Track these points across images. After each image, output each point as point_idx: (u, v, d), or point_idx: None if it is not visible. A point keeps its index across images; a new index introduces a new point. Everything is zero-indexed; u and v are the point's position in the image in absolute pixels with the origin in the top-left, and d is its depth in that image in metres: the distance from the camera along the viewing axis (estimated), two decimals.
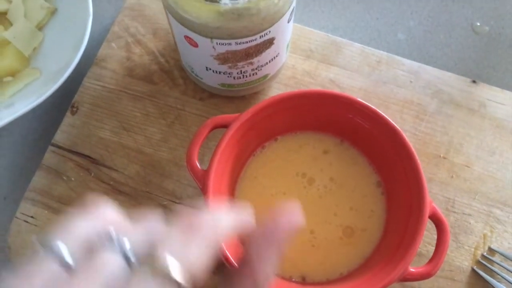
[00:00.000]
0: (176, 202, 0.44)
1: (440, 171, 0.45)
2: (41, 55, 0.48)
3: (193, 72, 0.44)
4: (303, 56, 0.49)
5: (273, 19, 0.36)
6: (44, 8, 0.48)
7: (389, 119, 0.39)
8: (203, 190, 0.37)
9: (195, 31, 0.36)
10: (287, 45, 0.43)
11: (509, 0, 0.53)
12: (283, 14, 0.37)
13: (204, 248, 0.21)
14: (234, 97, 0.47)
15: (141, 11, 0.51)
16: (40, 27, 0.49)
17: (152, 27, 0.50)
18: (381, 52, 0.49)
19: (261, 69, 0.42)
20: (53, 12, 0.49)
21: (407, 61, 0.49)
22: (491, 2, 0.53)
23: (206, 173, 0.37)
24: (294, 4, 0.38)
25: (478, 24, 0.52)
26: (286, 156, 0.43)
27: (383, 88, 0.48)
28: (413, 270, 0.35)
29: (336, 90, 0.47)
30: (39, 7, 0.48)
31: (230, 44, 0.37)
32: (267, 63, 0.41)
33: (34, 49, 0.48)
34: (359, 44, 0.49)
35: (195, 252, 0.21)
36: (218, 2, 0.33)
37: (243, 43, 0.37)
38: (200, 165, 0.38)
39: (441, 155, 0.45)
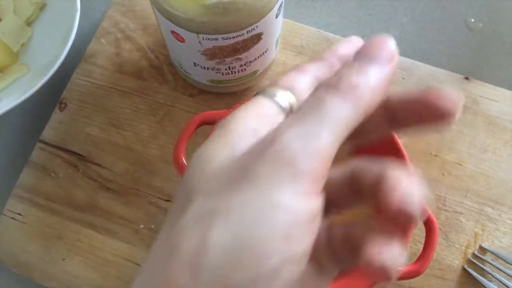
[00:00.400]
0: (164, 200, 0.44)
1: (431, 169, 0.44)
2: (30, 50, 0.48)
3: (181, 68, 0.44)
4: (294, 52, 0.48)
5: (261, 13, 0.36)
6: (33, 4, 0.48)
7: None
8: None
9: (181, 26, 0.36)
10: (277, 41, 0.43)
11: None
12: (271, 9, 0.36)
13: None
14: (224, 93, 0.47)
15: (131, 6, 0.50)
16: (29, 23, 0.49)
17: (142, 23, 0.50)
18: None
19: (249, 65, 0.41)
20: (42, 7, 0.49)
21: (400, 58, 0.48)
22: None
23: None
24: None
25: (472, 20, 0.51)
26: None
27: None
28: (401, 268, 0.35)
29: None
30: (28, 2, 0.48)
31: (216, 39, 0.36)
32: (255, 59, 0.41)
33: (23, 44, 0.48)
34: None
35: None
36: None
37: (230, 38, 0.36)
38: (187, 161, 0.38)
39: (433, 153, 0.45)
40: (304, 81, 0.21)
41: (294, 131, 0.17)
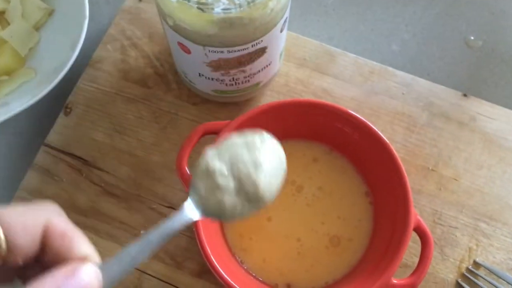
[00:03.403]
0: (165, 206, 0.44)
1: (428, 183, 0.45)
2: (37, 55, 0.49)
3: (186, 77, 0.45)
4: (296, 64, 0.49)
5: (266, 28, 0.37)
6: (41, 9, 0.49)
7: (377, 130, 0.39)
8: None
9: (188, 38, 0.37)
10: (281, 54, 0.44)
11: (503, 15, 0.53)
12: (276, 24, 0.37)
13: None
14: (228, 102, 0.47)
15: (138, 14, 0.51)
16: (37, 28, 0.50)
17: (149, 31, 0.50)
18: (374, 63, 0.50)
19: (253, 77, 0.42)
20: (50, 13, 0.50)
21: (400, 73, 0.49)
22: (485, 16, 0.53)
23: None
24: (287, 14, 0.39)
25: (472, 38, 0.52)
26: None
27: (375, 99, 0.48)
28: (396, 281, 0.36)
29: (328, 100, 0.48)
30: (37, 7, 0.49)
31: (222, 52, 0.37)
32: (259, 71, 0.42)
33: (30, 49, 0.49)
34: (352, 54, 0.50)
35: None
36: (211, 11, 0.33)
37: (236, 51, 0.37)
38: (190, 170, 0.39)
39: (430, 167, 0.46)
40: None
41: None
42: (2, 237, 0.22)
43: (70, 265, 0.22)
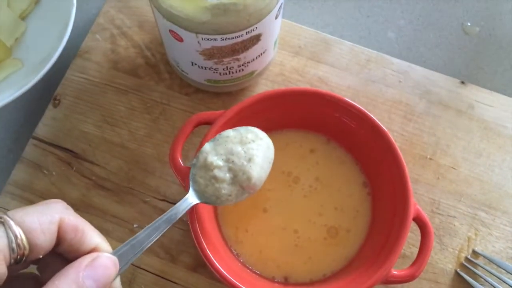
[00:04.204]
0: (159, 199, 0.43)
1: (426, 173, 0.45)
2: (24, 45, 0.47)
3: (178, 67, 0.43)
4: (291, 53, 0.48)
5: (260, 15, 0.35)
6: None
7: (375, 118, 0.38)
8: (185, 187, 0.36)
9: (180, 26, 0.35)
10: (275, 42, 0.43)
11: (500, 1, 0.52)
12: (271, 10, 0.36)
13: None
14: (221, 92, 0.46)
15: (127, 2, 0.50)
16: (23, 17, 0.48)
17: (138, 20, 0.49)
18: (371, 50, 0.49)
19: (247, 66, 0.41)
20: (36, 1, 0.48)
21: (396, 60, 0.48)
22: (482, 2, 0.52)
23: (188, 170, 0.37)
24: (282, 0, 0.38)
25: (469, 24, 0.52)
26: None
27: (371, 87, 0.47)
28: (396, 272, 0.35)
29: (324, 88, 0.47)
30: None
31: (215, 39, 0.36)
32: (253, 59, 0.41)
33: (16, 39, 0.47)
34: (349, 42, 0.49)
35: None
36: None
37: (229, 39, 0.36)
38: (184, 161, 0.38)
39: (428, 156, 0.45)
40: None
41: None
42: (24, 239, 0.24)
43: (88, 256, 0.25)
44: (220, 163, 0.33)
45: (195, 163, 0.34)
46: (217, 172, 0.33)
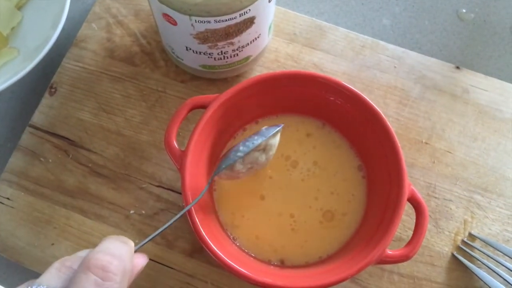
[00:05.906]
0: (155, 185, 0.44)
1: (422, 157, 0.45)
2: (20, 34, 0.47)
3: (173, 53, 0.43)
4: (286, 39, 0.48)
5: None
6: None
7: (369, 100, 0.38)
8: (180, 170, 0.36)
9: (173, 8, 0.35)
10: (270, 27, 0.43)
11: None
12: None
13: None
14: (216, 79, 0.46)
15: None
16: (19, 7, 0.48)
17: (134, 8, 0.49)
18: (365, 37, 0.49)
19: (242, 50, 0.41)
20: None
21: (391, 46, 0.48)
22: None
23: (183, 153, 0.37)
24: None
25: (464, 10, 0.52)
26: None
27: (366, 73, 0.47)
28: (391, 252, 0.35)
29: None
30: None
31: (209, 22, 0.36)
32: (248, 44, 0.41)
33: (13, 28, 0.47)
34: (343, 29, 0.49)
35: None
36: None
37: (223, 21, 0.36)
38: (179, 146, 0.38)
39: (423, 141, 0.45)
40: None
41: None
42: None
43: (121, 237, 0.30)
44: (242, 167, 0.37)
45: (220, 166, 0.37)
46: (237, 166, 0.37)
